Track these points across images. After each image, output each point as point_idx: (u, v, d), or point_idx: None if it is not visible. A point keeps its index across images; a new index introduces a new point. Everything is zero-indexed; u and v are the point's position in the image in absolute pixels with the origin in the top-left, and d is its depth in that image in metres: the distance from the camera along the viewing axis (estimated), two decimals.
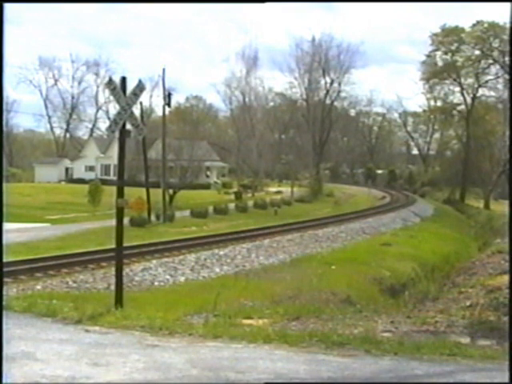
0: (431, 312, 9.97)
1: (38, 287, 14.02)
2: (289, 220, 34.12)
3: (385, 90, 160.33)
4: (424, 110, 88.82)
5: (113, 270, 11.06)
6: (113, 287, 10.25)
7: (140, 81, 9.68)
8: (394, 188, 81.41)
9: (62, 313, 8.15)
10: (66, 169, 75.95)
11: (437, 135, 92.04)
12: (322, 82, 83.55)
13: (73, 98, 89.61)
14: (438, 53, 74.64)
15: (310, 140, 78.78)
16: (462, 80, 74.28)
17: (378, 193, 73.02)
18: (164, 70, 36.36)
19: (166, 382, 5.34)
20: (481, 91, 74.64)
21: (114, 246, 9.72)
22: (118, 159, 9.79)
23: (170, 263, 18.49)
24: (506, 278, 12.61)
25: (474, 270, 21.55)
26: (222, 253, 21.13)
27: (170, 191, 37.34)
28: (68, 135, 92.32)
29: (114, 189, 10.02)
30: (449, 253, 27.56)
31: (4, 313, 6.91)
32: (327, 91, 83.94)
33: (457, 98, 77.19)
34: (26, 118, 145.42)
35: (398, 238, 29.72)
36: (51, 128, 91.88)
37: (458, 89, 75.74)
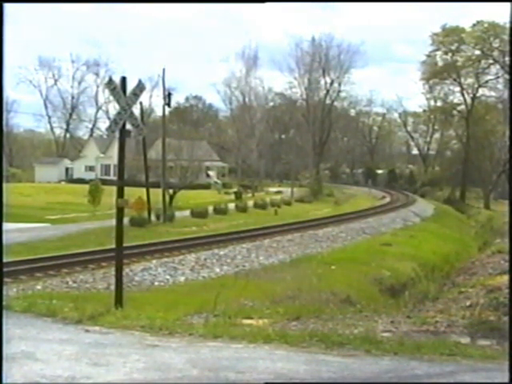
0: (431, 312, 9.97)
1: (38, 287, 14.02)
2: (289, 220, 34.11)
3: (385, 90, 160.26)
4: (424, 110, 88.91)
5: (113, 270, 11.05)
6: (113, 287, 10.25)
7: (140, 81, 9.68)
8: (394, 188, 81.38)
9: (62, 313, 8.14)
10: (66, 169, 75.96)
11: (437, 135, 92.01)
12: (322, 82, 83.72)
13: (73, 98, 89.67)
14: (439, 53, 74.81)
15: (310, 140, 78.77)
16: (462, 80, 74.38)
17: (377, 193, 73.03)
18: (164, 70, 36.35)
19: (166, 382, 5.34)
20: (481, 91, 74.81)
21: (113, 246, 9.72)
22: (118, 159, 9.78)
23: (169, 263, 18.49)
24: (506, 277, 12.60)
25: (474, 269, 21.57)
26: (222, 253, 21.13)
27: (170, 191, 37.31)
28: (68, 135, 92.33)
29: (114, 189, 10.01)
30: (449, 253, 27.58)
31: (4, 313, 6.90)
32: (327, 91, 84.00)
33: (457, 98, 77.39)
34: (26, 117, 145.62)
35: (398, 237, 29.73)
36: (51, 128, 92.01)
37: (458, 89, 75.92)
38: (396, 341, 6.79)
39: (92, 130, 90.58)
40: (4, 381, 5.12)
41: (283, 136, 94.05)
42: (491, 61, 71.08)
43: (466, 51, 73.36)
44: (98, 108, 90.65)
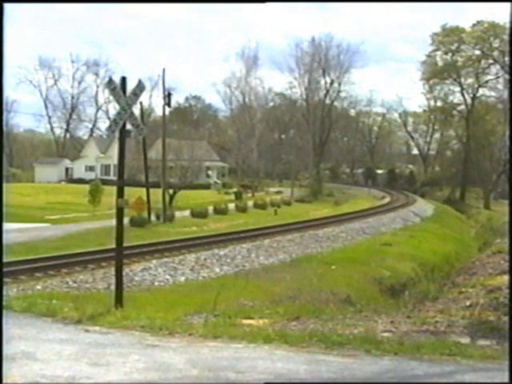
0: (431, 312, 9.98)
1: (38, 287, 14.02)
2: (289, 220, 34.10)
3: (384, 89, 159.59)
4: (424, 110, 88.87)
5: (113, 270, 11.05)
6: (113, 287, 10.25)
7: (140, 81, 9.67)
8: (394, 188, 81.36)
9: (62, 313, 8.14)
10: (66, 169, 76.00)
11: (437, 135, 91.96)
12: (322, 81, 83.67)
13: (73, 98, 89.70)
14: (439, 53, 74.83)
15: (310, 140, 78.80)
16: (462, 80, 74.39)
17: (377, 193, 73.01)
18: (164, 70, 36.44)
19: (166, 382, 5.34)
20: (481, 91, 74.83)
21: (113, 246, 9.72)
22: (118, 159, 9.77)
23: (169, 263, 18.49)
24: (506, 278, 12.61)
25: (474, 269, 21.57)
26: (222, 253, 21.12)
27: (170, 191, 37.34)
28: (68, 135, 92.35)
29: (114, 189, 10.01)
30: (449, 253, 27.59)
31: (4, 313, 6.91)
32: (327, 91, 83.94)
33: (457, 98, 77.38)
34: (26, 118, 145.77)
35: (398, 237, 29.73)
36: (51, 128, 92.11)
37: (458, 89, 75.93)
38: (396, 341, 6.78)
39: (92, 130, 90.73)
40: (4, 381, 5.12)
41: (283, 136, 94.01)
42: (491, 61, 71.10)
43: (466, 51, 73.39)
44: (98, 108, 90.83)
